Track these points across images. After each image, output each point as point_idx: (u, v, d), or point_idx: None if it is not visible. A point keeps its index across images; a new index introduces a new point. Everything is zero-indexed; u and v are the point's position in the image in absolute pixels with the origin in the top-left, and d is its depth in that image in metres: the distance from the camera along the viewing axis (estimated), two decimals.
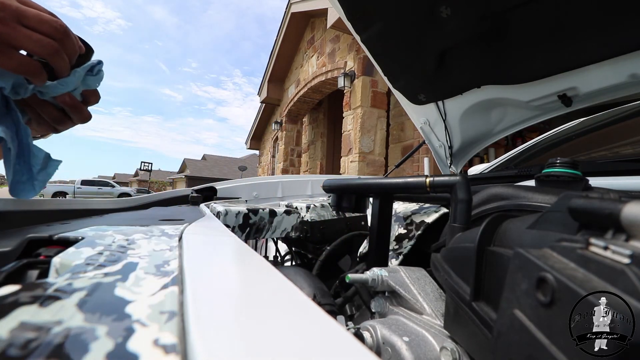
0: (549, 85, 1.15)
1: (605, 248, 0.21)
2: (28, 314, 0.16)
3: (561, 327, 0.21)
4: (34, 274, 0.31)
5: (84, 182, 19.53)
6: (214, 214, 0.86)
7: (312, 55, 7.84)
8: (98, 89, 0.56)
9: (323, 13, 6.43)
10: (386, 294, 0.59)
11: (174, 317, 0.17)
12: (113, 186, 20.66)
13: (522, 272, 0.23)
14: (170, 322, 0.16)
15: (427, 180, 0.59)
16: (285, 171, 9.84)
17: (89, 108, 0.57)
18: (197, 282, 0.22)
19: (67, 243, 0.38)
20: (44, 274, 0.31)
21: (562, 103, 1.19)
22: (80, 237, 0.37)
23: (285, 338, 0.15)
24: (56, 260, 0.30)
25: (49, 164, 0.55)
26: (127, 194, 19.74)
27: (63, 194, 18.13)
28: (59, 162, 0.56)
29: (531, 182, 0.80)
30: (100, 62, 0.53)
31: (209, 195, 1.44)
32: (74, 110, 0.53)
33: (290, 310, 0.19)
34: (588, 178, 0.57)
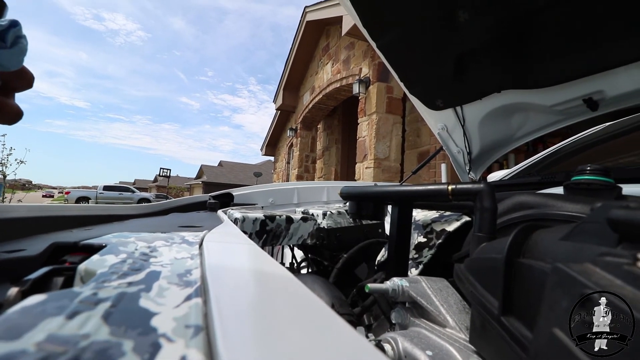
0: (574, 89, 1.11)
1: None
2: (55, 325, 0.16)
3: None
4: (59, 280, 0.32)
5: (106, 188, 20.18)
6: (231, 221, 0.86)
7: (327, 63, 7.89)
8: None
9: (338, 21, 6.47)
10: (407, 304, 0.57)
11: (199, 332, 0.16)
12: (133, 192, 21.24)
13: (562, 289, 0.22)
14: (196, 338, 0.16)
15: (449, 187, 0.57)
16: (300, 177, 9.86)
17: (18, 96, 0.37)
18: (221, 294, 0.21)
19: (91, 250, 0.38)
20: (69, 280, 0.31)
21: (587, 107, 1.15)
22: (103, 244, 0.38)
23: (315, 356, 0.14)
24: (81, 268, 0.30)
25: None
26: (147, 199, 20.25)
27: (86, 199, 18.76)
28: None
29: (557, 190, 0.77)
30: (13, 25, 0.32)
31: (226, 201, 1.45)
32: None
33: (316, 324, 0.18)
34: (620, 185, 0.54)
